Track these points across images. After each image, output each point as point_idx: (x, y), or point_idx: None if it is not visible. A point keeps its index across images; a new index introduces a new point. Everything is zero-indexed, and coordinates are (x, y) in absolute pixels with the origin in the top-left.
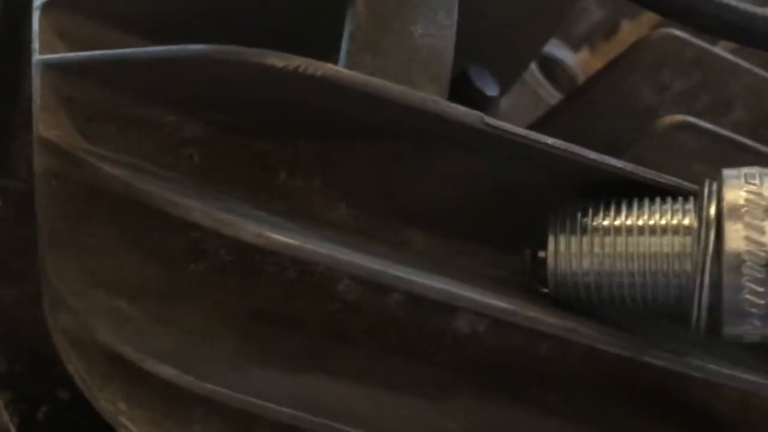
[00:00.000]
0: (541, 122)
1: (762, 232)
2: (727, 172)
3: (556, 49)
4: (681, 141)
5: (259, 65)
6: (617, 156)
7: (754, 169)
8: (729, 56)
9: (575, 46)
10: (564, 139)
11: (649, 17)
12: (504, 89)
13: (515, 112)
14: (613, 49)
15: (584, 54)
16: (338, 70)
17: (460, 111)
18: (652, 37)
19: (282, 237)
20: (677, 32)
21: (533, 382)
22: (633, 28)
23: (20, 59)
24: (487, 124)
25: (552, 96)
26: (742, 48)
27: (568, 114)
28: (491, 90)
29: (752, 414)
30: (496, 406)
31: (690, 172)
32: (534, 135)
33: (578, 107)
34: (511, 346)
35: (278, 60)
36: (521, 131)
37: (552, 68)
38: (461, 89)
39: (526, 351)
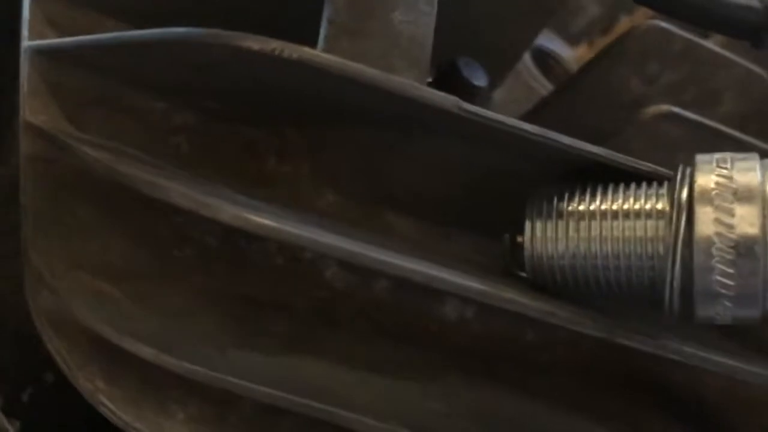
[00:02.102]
0: (532, 113)
1: (731, 214)
2: (699, 157)
3: (552, 43)
4: (666, 131)
5: (237, 48)
6: (603, 145)
7: (726, 154)
8: (717, 49)
9: (573, 41)
10: (553, 129)
11: (646, 12)
12: (496, 81)
13: (509, 105)
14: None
15: (582, 49)
16: (315, 53)
17: (436, 95)
18: (638, 29)
19: (261, 219)
20: (664, 24)
21: (518, 368)
22: (631, 23)
23: (15, 49)
24: (463, 109)
25: (546, 89)
26: (731, 41)
27: (557, 105)
28: (479, 80)
29: (737, 402)
30: (480, 389)
31: (674, 160)
32: (510, 121)
33: (567, 98)
34: (497, 333)
35: (255, 43)
36: (497, 117)
37: (547, 62)
38: (449, 79)
39: (512, 337)
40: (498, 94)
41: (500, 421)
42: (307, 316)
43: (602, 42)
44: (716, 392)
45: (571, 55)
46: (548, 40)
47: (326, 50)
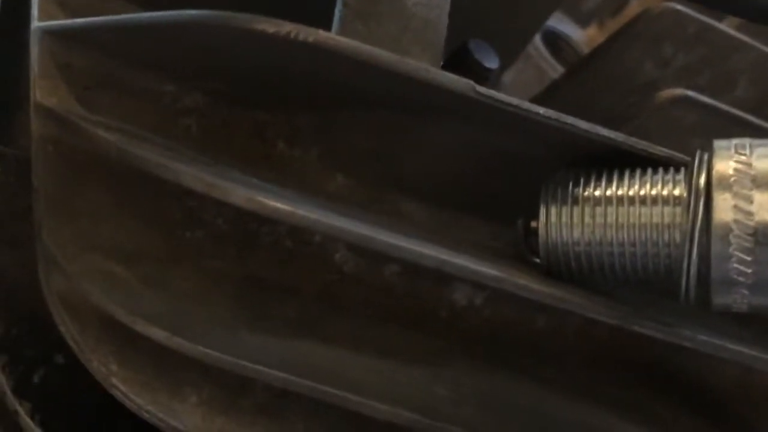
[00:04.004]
0: (544, 96)
1: (750, 201)
2: (717, 143)
3: (562, 24)
4: (680, 115)
5: (251, 31)
6: (616, 129)
7: (745, 140)
8: (733, 32)
9: (583, 22)
10: (564, 112)
11: None
12: (506, 63)
13: (520, 87)
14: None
15: (592, 30)
16: (330, 36)
17: (451, 79)
18: (653, 11)
19: (274, 202)
20: (679, 6)
21: (529, 355)
22: (641, 5)
23: (24, 32)
24: (479, 93)
25: (556, 71)
26: (746, 24)
27: (569, 87)
28: (491, 62)
29: (753, 392)
30: (490, 376)
31: (689, 146)
32: (526, 105)
33: (579, 80)
34: (507, 319)
35: (269, 26)
36: (513, 100)
37: (557, 44)
38: (461, 62)
39: (522, 324)
40: (508, 77)
41: (509, 408)
42: (317, 300)
43: (612, 23)
44: (729, 383)
45: (582, 36)
46: (559, 22)
47: (340, 33)
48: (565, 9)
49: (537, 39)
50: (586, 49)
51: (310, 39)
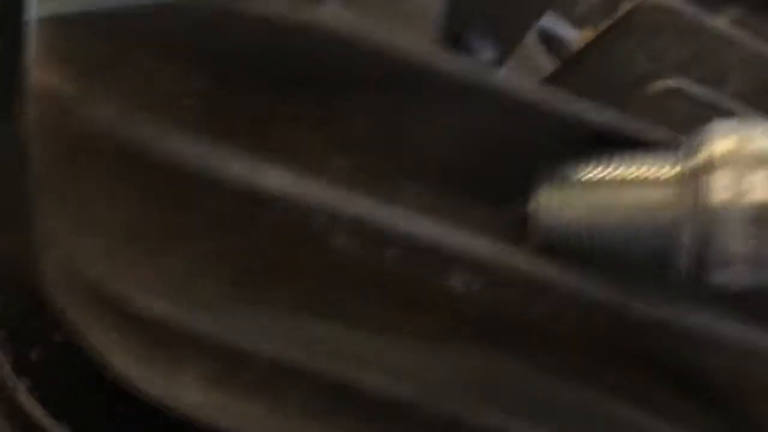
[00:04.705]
0: None
1: (746, 180)
2: (713, 125)
3: (557, 25)
4: (671, 107)
5: (236, 12)
6: None
7: (742, 122)
8: (724, 28)
9: (576, 24)
10: None
11: None
12: (503, 56)
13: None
14: None
15: (586, 33)
16: (326, 18)
17: (454, 62)
18: (646, 5)
19: (280, 180)
20: (671, 1)
21: (526, 340)
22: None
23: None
24: (481, 77)
25: (550, 65)
26: (739, 21)
27: (562, 81)
28: (488, 53)
29: (746, 380)
30: (489, 358)
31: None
32: (526, 88)
33: (572, 74)
34: (503, 305)
35: (257, 6)
36: (514, 84)
37: (552, 42)
38: (460, 50)
39: (518, 310)
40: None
41: (507, 389)
42: (316, 281)
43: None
44: (724, 371)
45: (576, 38)
46: (553, 23)
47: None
48: (558, 10)
49: (533, 38)
50: None
51: (308, 20)
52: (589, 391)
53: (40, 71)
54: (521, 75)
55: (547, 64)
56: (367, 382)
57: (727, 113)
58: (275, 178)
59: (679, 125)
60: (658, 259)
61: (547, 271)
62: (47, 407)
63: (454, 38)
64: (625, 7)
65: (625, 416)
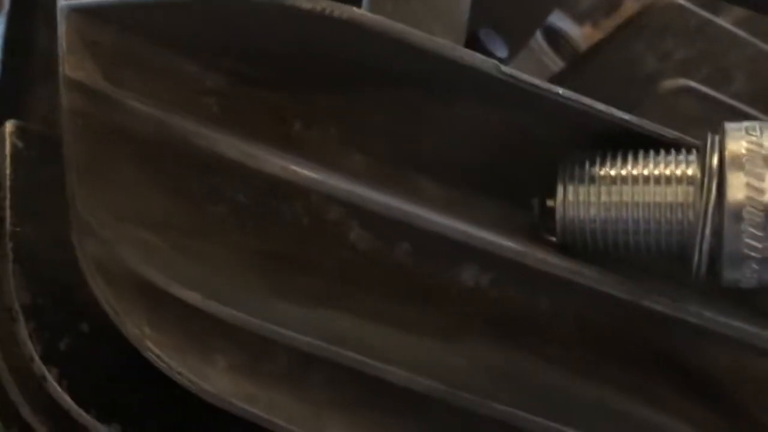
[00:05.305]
0: None
1: (761, 179)
2: (728, 125)
3: (562, 22)
4: (681, 105)
5: (285, 7)
6: None
7: (755, 123)
8: (731, 27)
9: (580, 20)
10: None
11: None
12: (511, 54)
13: None
14: (614, 24)
15: (587, 29)
16: (363, 13)
17: (477, 58)
18: (657, 5)
19: (308, 171)
20: (681, 1)
21: (533, 334)
22: (635, 5)
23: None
24: (503, 72)
25: (556, 64)
26: (745, 21)
27: (573, 79)
28: (501, 52)
29: (750, 377)
30: (499, 351)
31: (689, 134)
32: (546, 85)
33: (583, 72)
34: (512, 300)
35: (304, 2)
36: (535, 80)
37: (556, 39)
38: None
39: (526, 305)
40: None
41: (519, 381)
42: (334, 275)
43: (607, 22)
44: (728, 367)
45: (579, 34)
46: (558, 19)
47: (370, 11)
48: (562, 7)
49: (538, 34)
50: (583, 46)
51: (345, 16)
52: (592, 385)
53: (70, 63)
54: (530, 72)
55: (554, 61)
56: (389, 372)
57: (734, 112)
58: (295, 172)
59: (688, 122)
60: (673, 255)
61: (558, 267)
62: (75, 396)
63: (468, 38)
64: (629, 5)
65: (631, 411)
